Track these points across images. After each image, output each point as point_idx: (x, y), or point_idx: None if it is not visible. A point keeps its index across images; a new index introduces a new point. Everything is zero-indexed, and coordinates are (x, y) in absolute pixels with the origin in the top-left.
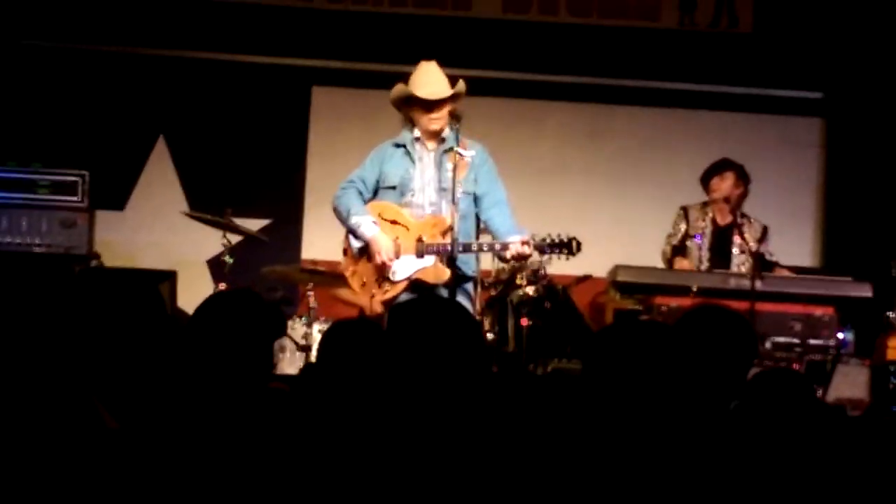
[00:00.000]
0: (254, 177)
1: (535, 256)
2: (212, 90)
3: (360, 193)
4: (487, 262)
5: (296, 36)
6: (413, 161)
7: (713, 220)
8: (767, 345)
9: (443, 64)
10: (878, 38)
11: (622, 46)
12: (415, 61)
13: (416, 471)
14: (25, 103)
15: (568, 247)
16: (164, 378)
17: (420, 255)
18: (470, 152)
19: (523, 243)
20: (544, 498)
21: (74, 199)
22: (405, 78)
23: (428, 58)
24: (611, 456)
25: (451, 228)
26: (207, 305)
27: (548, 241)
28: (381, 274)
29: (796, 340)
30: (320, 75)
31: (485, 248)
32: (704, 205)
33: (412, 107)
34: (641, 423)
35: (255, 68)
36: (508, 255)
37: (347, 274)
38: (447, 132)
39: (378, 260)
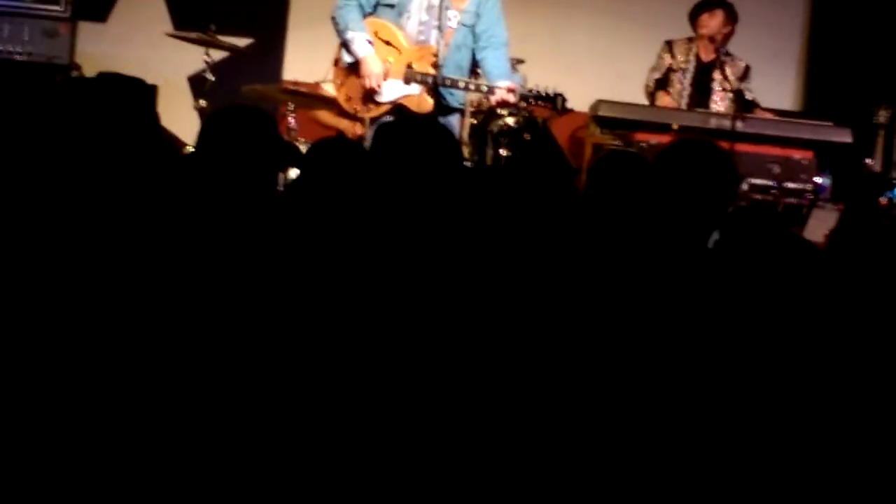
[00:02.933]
0: None
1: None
2: None
3: (361, 7)
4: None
5: None
6: None
7: (697, 56)
8: (745, 186)
9: None
10: None
11: None
12: None
13: (399, 277)
14: None
15: (553, 101)
16: (157, 193)
17: (408, 81)
18: None
19: (509, 90)
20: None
21: (57, 7)
22: None
23: None
24: (590, 275)
25: (437, 60)
26: (223, 119)
27: (534, 91)
28: (369, 92)
29: (774, 183)
30: None
31: (471, 88)
32: (689, 40)
33: None
34: (621, 250)
35: None
36: (493, 99)
37: (334, 85)
38: None
39: (366, 83)
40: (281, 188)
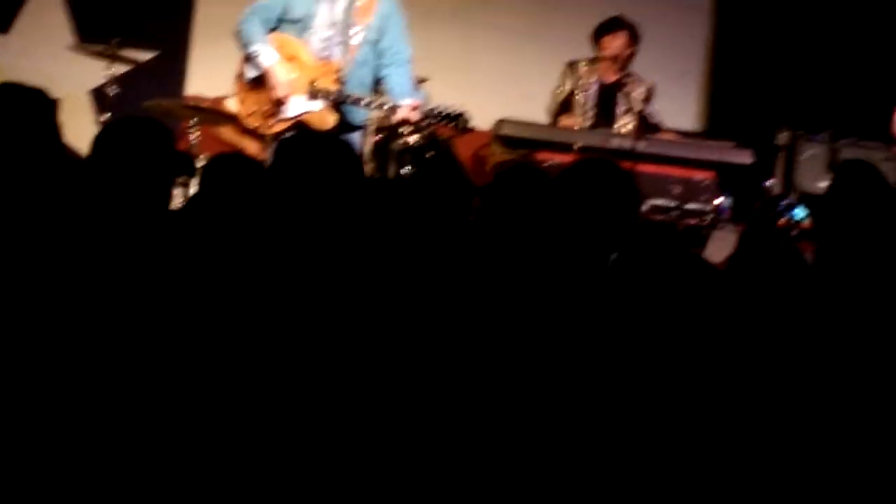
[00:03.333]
0: (142, 6)
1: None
2: None
3: (265, 22)
4: None
5: None
6: None
7: (599, 78)
8: (646, 207)
9: None
10: None
11: None
12: None
13: (298, 294)
14: None
15: (455, 120)
16: (56, 207)
17: (311, 97)
18: None
19: (412, 108)
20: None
21: None
22: None
23: None
24: (493, 290)
25: (340, 77)
26: (117, 128)
27: (437, 110)
28: (272, 107)
29: (675, 203)
30: None
31: (373, 105)
32: (592, 61)
33: None
34: (523, 269)
35: None
36: (396, 117)
37: (237, 100)
38: None
39: (273, 94)
40: (181, 203)
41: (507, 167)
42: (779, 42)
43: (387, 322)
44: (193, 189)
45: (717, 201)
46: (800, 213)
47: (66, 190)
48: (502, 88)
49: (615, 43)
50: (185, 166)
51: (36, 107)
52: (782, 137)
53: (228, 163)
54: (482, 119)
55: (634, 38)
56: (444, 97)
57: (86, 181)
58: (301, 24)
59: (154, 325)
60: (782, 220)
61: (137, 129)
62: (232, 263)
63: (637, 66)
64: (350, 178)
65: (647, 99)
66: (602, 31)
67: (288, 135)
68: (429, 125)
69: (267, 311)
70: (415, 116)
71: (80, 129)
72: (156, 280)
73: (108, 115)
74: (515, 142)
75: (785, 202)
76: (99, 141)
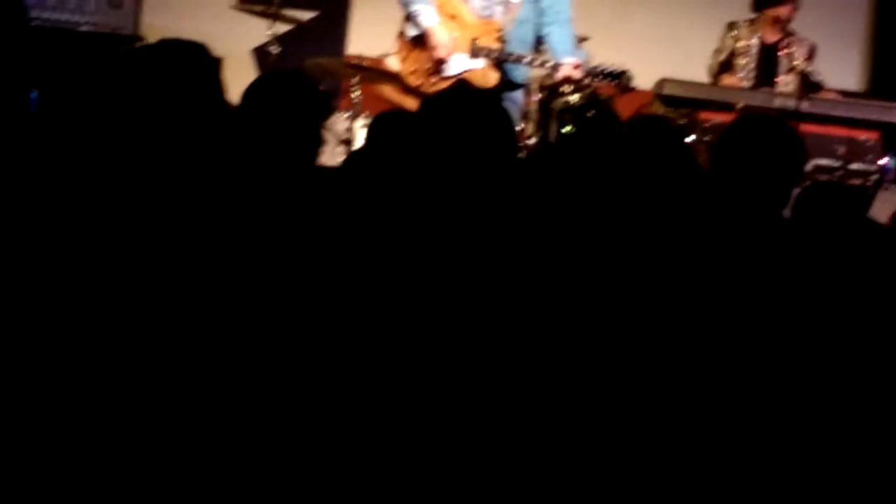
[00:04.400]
0: None
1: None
2: None
3: None
4: None
5: None
6: None
7: (761, 38)
8: (809, 167)
9: None
10: None
11: None
12: None
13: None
14: None
15: (618, 77)
16: (214, 156)
17: (473, 55)
18: None
19: (574, 67)
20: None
21: None
22: None
23: None
24: (649, 256)
25: (501, 35)
26: (259, 84)
27: (600, 68)
28: (433, 66)
29: (838, 164)
30: None
31: (535, 63)
32: (752, 21)
33: None
34: (686, 226)
35: None
36: (558, 76)
37: (398, 58)
38: None
39: (435, 53)
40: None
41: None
42: None
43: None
44: (357, 145)
45: (881, 161)
46: None
47: (223, 144)
48: (662, 48)
49: (781, 10)
50: (327, 104)
51: (199, 63)
52: None
53: (392, 120)
54: (643, 79)
55: (797, 3)
56: (604, 57)
57: (237, 132)
58: None
59: (301, 279)
60: None
61: (282, 82)
62: (388, 224)
63: (799, 26)
64: (499, 140)
65: (809, 58)
66: (768, 2)
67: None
68: (591, 84)
69: (419, 276)
70: (577, 75)
71: (243, 87)
72: (308, 239)
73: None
74: (677, 101)
75: None
76: (247, 93)
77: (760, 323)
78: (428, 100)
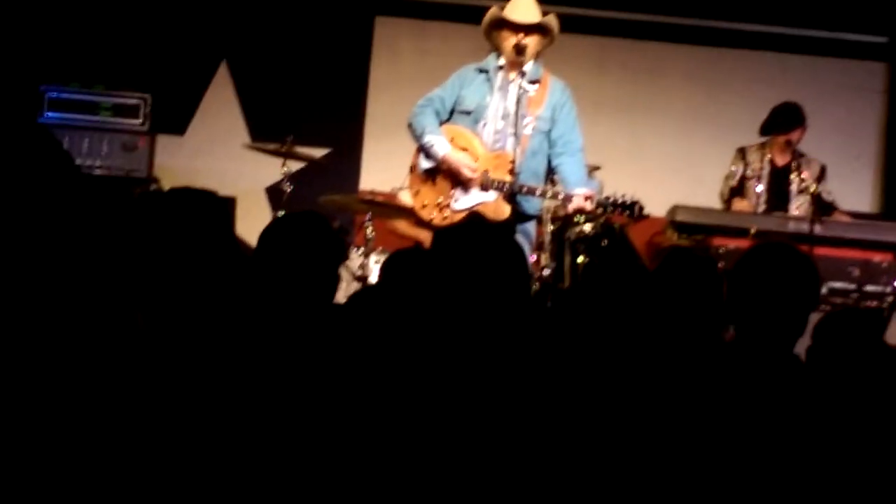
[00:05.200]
0: (315, 105)
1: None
2: (276, 16)
3: (437, 113)
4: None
5: None
6: (492, 89)
7: (771, 161)
8: (824, 290)
9: None
10: None
11: None
12: None
13: (457, 392)
14: (89, 24)
15: (630, 209)
16: (228, 300)
17: (484, 188)
18: (532, 86)
19: (586, 198)
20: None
21: (136, 121)
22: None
23: None
24: (665, 393)
25: (513, 168)
26: (275, 226)
27: (611, 199)
28: (445, 199)
29: (853, 286)
30: (384, 5)
31: (547, 195)
32: (762, 145)
33: (501, 31)
34: (700, 360)
35: None
36: (570, 207)
37: (411, 192)
38: (530, 65)
39: (462, 175)
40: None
41: (677, 252)
42: None
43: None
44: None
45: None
46: None
47: (237, 285)
48: (673, 174)
49: (790, 135)
50: (341, 248)
51: (209, 209)
52: None
53: (406, 257)
54: (655, 205)
55: (806, 126)
56: (616, 184)
57: (254, 275)
58: (473, 116)
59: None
60: None
61: (299, 223)
62: (398, 360)
63: (810, 147)
64: (511, 274)
65: (820, 179)
66: (778, 126)
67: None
68: (603, 213)
69: (427, 404)
70: (589, 205)
71: (257, 226)
72: (323, 373)
73: (284, 212)
74: (691, 228)
75: None
76: (264, 236)
77: (780, 460)
78: (439, 233)
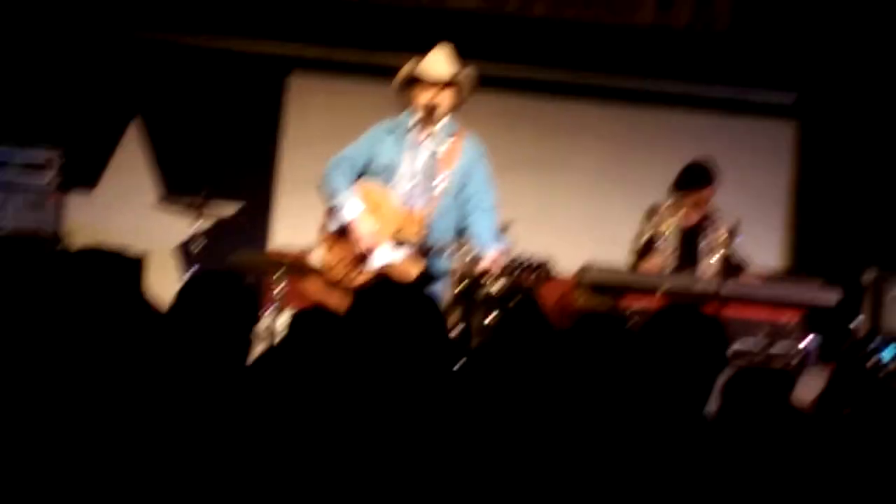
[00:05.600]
0: (226, 163)
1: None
2: (188, 73)
3: (349, 172)
4: None
5: (274, 20)
6: (404, 147)
7: (681, 220)
8: (731, 351)
9: (420, 52)
10: (853, 41)
11: (598, 42)
12: (392, 50)
13: (375, 456)
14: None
15: (539, 269)
16: (142, 363)
17: (395, 246)
18: (443, 146)
19: (495, 257)
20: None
21: (44, 179)
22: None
23: (406, 46)
24: (580, 459)
25: (423, 226)
26: (190, 285)
27: (521, 259)
28: (355, 259)
29: (761, 347)
30: (296, 63)
31: (457, 255)
32: (673, 204)
33: (413, 87)
34: (611, 426)
35: (232, 54)
36: (480, 266)
37: (322, 250)
38: (444, 121)
39: (360, 245)
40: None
41: (587, 313)
42: (863, 179)
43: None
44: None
45: (804, 343)
46: (888, 354)
47: (148, 345)
48: (585, 232)
49: (701, 194)
50: (255, 308)
51: (119, 269)
52: (868, 276)
53: (313, 317)
54: (567, 264)
55: (716, 185)
56: (528, 243)
57: (166, 336)
58: (385, 174)
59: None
60: (870, 362)
61: (214, 283)
62: (308, 418)
63: (721, 205)
64: (430, 332)
65: (731, 238)
66: (688, 185)
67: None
68: (513, 273)
69: (341, 468)
70: (499, 265)
71: (167, 283)
72: (232, 434)
73: (195, 268)
74: (600, 287)
75: (873, 343)
76: (179, 296)
77: None
78: (356, 295)
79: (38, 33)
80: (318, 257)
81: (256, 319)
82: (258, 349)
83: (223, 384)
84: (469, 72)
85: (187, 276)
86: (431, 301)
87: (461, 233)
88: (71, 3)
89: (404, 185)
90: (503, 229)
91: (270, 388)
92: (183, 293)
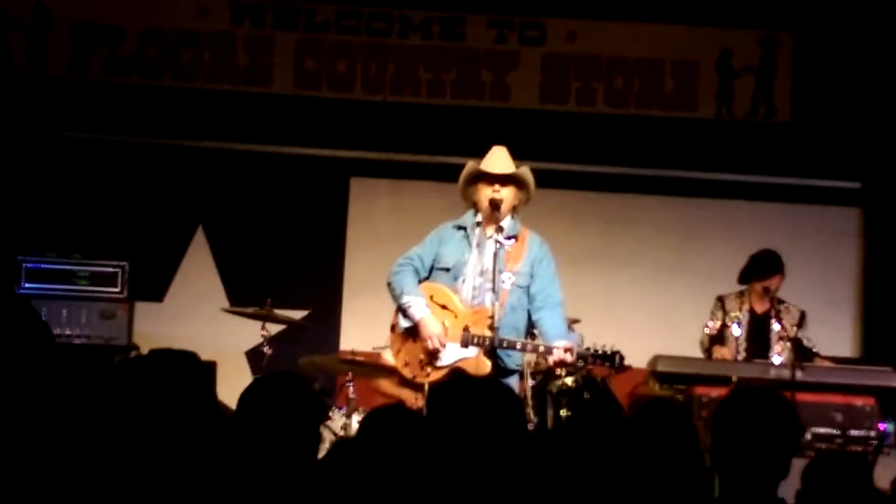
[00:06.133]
0: (292, 267)
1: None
2: (250, 181)
3: (416, 272)
4: None
5: (334, 127)
6: (470, 245)
7: (750, 309)
8: (808, 436)
9: (479, 154)
10: None
11: (660, 136)
12: (453, 152)
13: None
14: (65, 194)
15: (611, 360)
16: (210, 464)
17: (465, 344)
18: (508, 241)
19: (566, 350)
20: None
21: (114, 290)
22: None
23: (466, 148)
24: None
25: (493, 323)
26: (254, 388)
27: (591, 351)
28: (426, 357)
29: (837, 431)
30: (358, 166)
31: (528, 349)
32: (741, 294)
33: (477, 184)
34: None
35: (293, 159)
36: (551, 360)
37: (392, 351)
38: (507, 221)
39: (428, 345)
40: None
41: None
42: None
43: None
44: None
45: (880, 426)
46: None
47: (218, 448)
48: (652, 324)
49: (768, 283)
50: (321, 407)
51: (189, 370)
52: None
53: (387, 415)
54: (635, 356)
55: (783, 271)
56: (596, 337)
57: (234, 438)
58: (452, 273)
59: None
60: None
61: (276, 384)
62: None
63: (789, 293)
64: (510, 424)
65: (800, 325)
66: (756, 274)
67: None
68: (584, 365)
69: None
70: (570, 358)
71: (237, 389)
72: None
73: (264, 374)
74: (672, 377)
75: None
76: (243, 397)
77: None
78: (433, 390)
79: (104, 148)
80: (389, 356)
81: (322, 418)
82: (326, 449)
83: (291, 482)
84: (528, 168)
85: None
86: (510, 392)
87: (530, 328)
88: (132, 115)
89: (471, 283)
90: (571, 324)
91: (344, 482)
92: (247, 395)
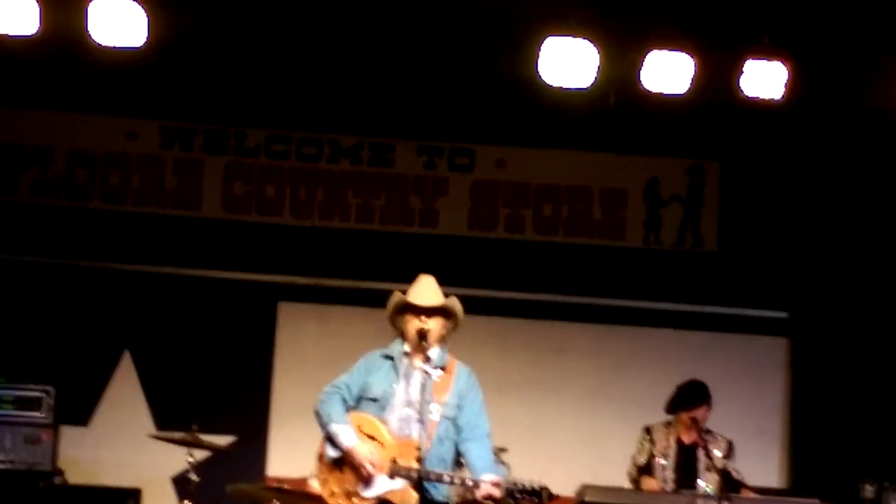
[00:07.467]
0: (220, 392)
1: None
2: (178, 305)
3: (344, 400)
4: None
5: (263, 251)
6: (398, 375)
7: (678, 440)
8: None
9: (407, 280)
10: (842, 260)
11: (588, 264)
12: (382, 278)
13: None
14: None
15: (538, 495)
16: None
17: (392, 476)
18: (436, 372)
19: (494, 484)
20: None
21: (38, 414)
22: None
23: (395, 274)
24: None
25: (420, 455)
26: None
27: (519, 486)
28: (354, 487)
29: None
30: (286, 291)
31: (455, 482)
32: (668, 424)
33: (404, 315)
34: None
35: (221, 283)
36: (479, 494)
37: (318, 481)
38: (435, 350)
39: (364, 471)
40: None
41: None
42: (856, 394)
43: None
44: None
45: None
46: None
47: None
48: (580, 452)
49: (695, 413)
50: None
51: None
52: (867, 490)
53: None
54: (562, 484)
55: (710, 401)
56: (523, 465)
57: None
58: (380, 403)
59: None
60: None
61: None
62: None
63: (717, 423)
64: None
65: (728, 455)
66: (683, 404)
67: None
68: (512, 501)
69: None
70: (497, 493)
71: None
72: None
73: (191, 502)
74: None
75: None
76: None
77: None
78: None
79: (30, 270)
80: (316, 485)
81: None
82: None
83: None
84: (456, 298)
85: None
86: None
87: (457, 460)
88: (57, 238)
89: (398, 413)
90: (498, 453)
91: None
92: None
